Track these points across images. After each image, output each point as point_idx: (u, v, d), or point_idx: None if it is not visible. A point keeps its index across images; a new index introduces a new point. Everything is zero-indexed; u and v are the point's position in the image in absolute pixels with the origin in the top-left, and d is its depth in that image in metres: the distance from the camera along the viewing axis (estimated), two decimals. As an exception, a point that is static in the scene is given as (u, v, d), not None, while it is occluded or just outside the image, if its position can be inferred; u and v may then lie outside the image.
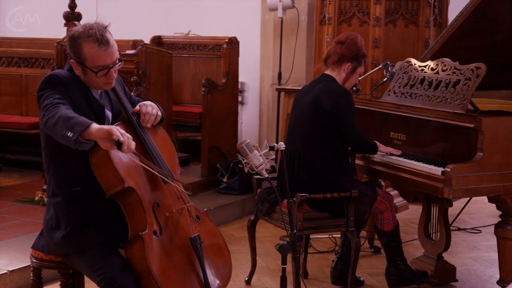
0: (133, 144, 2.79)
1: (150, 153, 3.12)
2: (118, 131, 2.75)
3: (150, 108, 3.18)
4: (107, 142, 2.77)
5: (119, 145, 2.75)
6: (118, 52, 3.07)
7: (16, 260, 4.33)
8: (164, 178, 3.10)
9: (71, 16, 6.35)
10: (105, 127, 2.78)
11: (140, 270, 2.96)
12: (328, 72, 4.29)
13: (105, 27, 3.03)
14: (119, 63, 3.06)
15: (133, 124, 3.14)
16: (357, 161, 4.51)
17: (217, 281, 3.18)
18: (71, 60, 3.05)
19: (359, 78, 4.46)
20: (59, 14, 6.33)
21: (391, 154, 4.26)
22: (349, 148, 4.29)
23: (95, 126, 2.76)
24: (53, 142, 2.99)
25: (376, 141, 4.29)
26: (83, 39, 2.99)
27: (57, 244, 3.08)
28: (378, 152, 4.30)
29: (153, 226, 3.02)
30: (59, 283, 3.30)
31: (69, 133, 2.75)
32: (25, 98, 6.94)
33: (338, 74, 4.26)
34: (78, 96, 3.03)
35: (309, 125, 4.19)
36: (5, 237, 4.80)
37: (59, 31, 6.58)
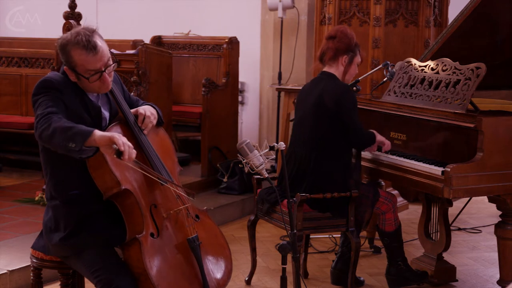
0: (134, 154, 2.80)
1: (146, 153, 3.11)
2: (120, 139, 2.75)
3: (149, 113, 3.19)
4: (109, 148, 2.78)
5: (119, 154, 2.76)
6: (110, 54, 3.04)
7: (16, 260, 4.33)
8: (163, 183, 3.10)
9: (71, 16, 6.35)
10: (107, 134, 2.79)
11: (138, 273, 2.96)
12: (326, 69, 4.29)
13: (93, 31, 3.01)
14: (112, 65, 3.04)
15: (129, 124, 3.13)
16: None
17: (218, 279, 3.17)
18: (65, 67, 3.04)
19: (360, 78, 4.46)
20: (59, 14, 6.32)
21: (390, 153, 4.26)
22: (353, 147, 4.29)
23: (97, 133, 2.78)
24: None
25: (372, 130, 4.27)
26: (70, 46, 2.98)
27: (55, 246, 3.08)
28: (377, 152, 4.30)
29: (150, 228, 3.01)
30: (59, 283, 3.30)
31: (71, 143, 2.76)
32: (25, 98, 6.93)
33: (336, 69, 4.26)
34: (73, 99, 3.02)
35: (314, 126, 4.19)
36: (5, 237, 4.80)
37: (59, 31, 6.57)
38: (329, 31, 4.40)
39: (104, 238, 3.04)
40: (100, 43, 3.00)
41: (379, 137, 4.26)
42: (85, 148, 2.78)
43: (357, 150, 4.37)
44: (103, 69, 2.99)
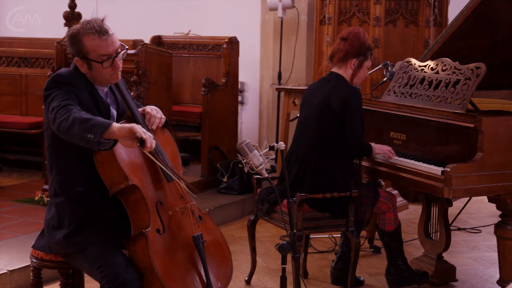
0: (154, 142, 2.85)
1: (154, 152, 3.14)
2: (140, 128, 2.80)
3: (155, 112, 3.24)
4: (129, 140, 2.82)
5: (142, 142, 2.80)
6: (119, 42, 3.11)
7: (16, 260, 4.33)
8: (170, 174, 3.12)
9: (71, 16, 6.35)
10: (127, 125, 2.83)
11: (143, 268, 2.97)
12: (335, 70, 4.28)
13: (102, 20, 3.10)
14: (123, 52, 3.11)
15: (137, 122, 3.15)
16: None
17: (218, 282, 3.18)
18: (75, 58, 3.08)
19: (368, 73, 4.45)
20: (59, 14, 6.33)
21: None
22: (347, 153, 4.24)
23: (116, 125, 2.82)
24: (58, 142, 3.01)
25: (371, 143, 4.27)
26: (82, 34, 3.05)
27: (59, 243, 3.08)
28: (376, 154, 4.29)
29: (156, 224, 3.04)
30: (59, 283, 3.30)
31: (90, 135, 2.79)
32: (25, 98, 6.94)
33: (345, 71, 4.25)
34: (84, 94, 3.06)
35: (318, 126, 4.19)
36: (5, 237, 4.80)
37: (59, 31, 6.58)
38: (343, 31, 4.38)
39: (109, 235, 3.05)
40: (111, 30, 3.09)
41: (378, 150, 4.25)
42: (103, 140, 2.81)
43: (348, 153, 4.26)
44: (114, 55, 3.05)
